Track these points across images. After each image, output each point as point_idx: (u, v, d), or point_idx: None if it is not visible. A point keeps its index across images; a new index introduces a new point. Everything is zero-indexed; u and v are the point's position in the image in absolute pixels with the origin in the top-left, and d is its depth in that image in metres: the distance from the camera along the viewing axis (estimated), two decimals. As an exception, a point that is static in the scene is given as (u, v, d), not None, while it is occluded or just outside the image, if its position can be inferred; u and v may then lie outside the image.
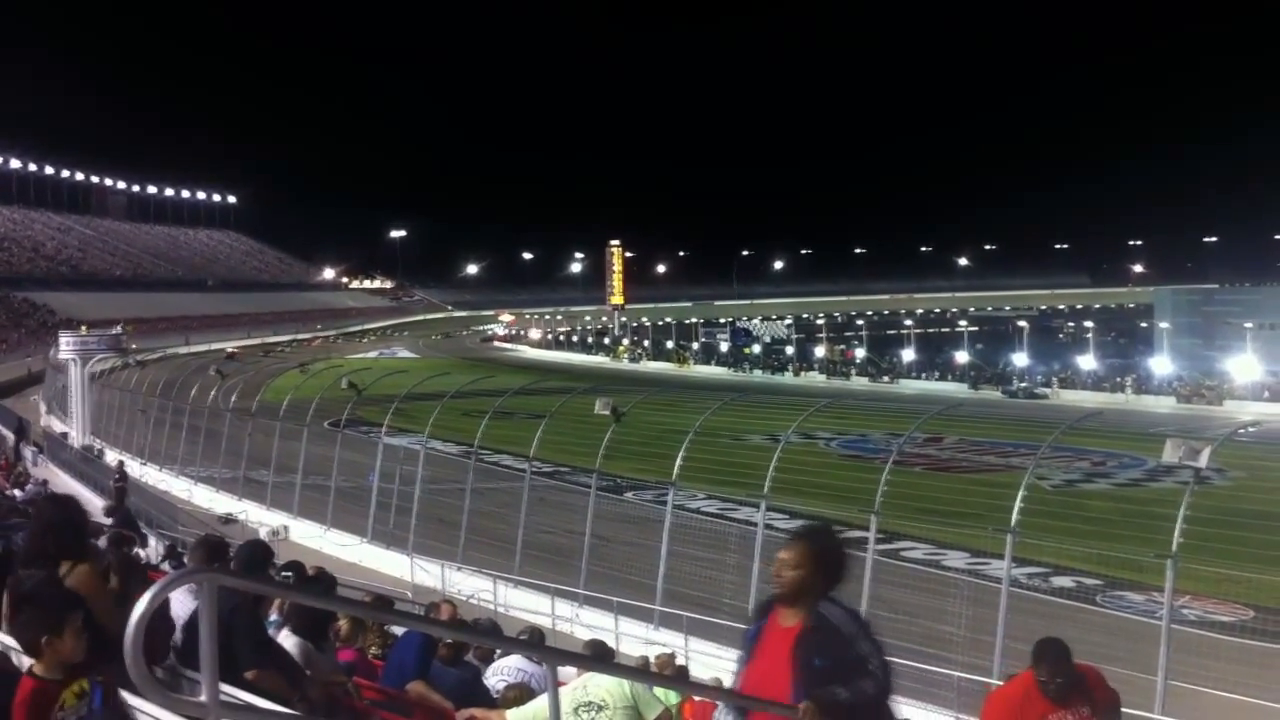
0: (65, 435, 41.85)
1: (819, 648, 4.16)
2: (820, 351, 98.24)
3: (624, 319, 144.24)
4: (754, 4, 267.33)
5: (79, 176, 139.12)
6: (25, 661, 4.92)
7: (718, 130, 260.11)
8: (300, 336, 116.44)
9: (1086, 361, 79.57)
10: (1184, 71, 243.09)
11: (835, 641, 4.18)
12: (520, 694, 7.01)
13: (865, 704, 4.15)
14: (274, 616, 7.15)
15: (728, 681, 5.11)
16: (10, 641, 5.15)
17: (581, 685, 5.91)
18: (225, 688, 4.05)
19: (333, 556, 22.51)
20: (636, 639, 17.14)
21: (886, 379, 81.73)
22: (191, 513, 28.53)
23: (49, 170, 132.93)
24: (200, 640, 3.13)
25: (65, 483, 30.66)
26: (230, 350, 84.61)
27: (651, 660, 11.81)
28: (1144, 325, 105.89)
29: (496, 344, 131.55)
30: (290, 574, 8.88)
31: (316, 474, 28.15)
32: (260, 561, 6.81)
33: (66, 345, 45.85)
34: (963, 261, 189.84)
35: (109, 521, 18.81)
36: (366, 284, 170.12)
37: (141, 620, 2.92)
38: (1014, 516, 14.96)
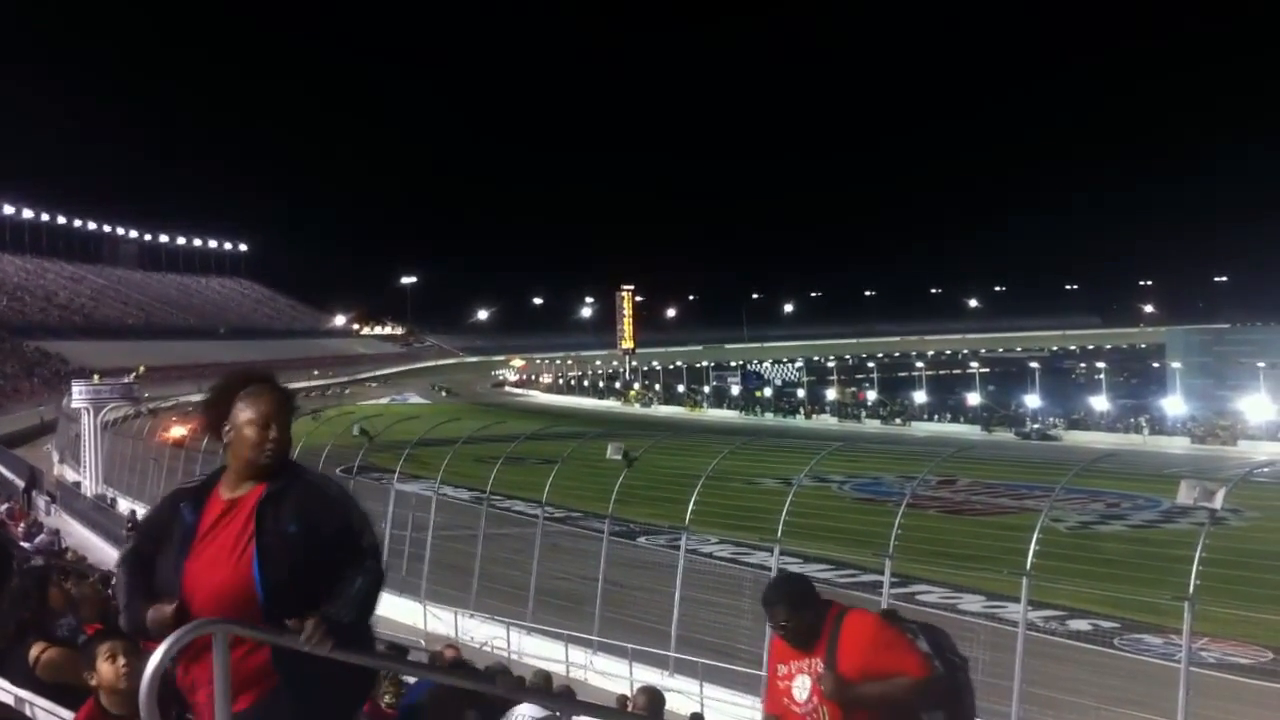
0: (78, 484, 41.86)
1: (292, 511, 3.27)
2: (832, 394, 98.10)
3: (635, 363, 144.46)
4: (764, 28, 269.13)
5: (91, 226, 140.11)
6: (32, 709, 4.90)
7: (727, 173, 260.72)
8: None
9: (1099, 402, 79.36)
10: (1194, 110, 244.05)
11: (315, 504, 3.31)
12: None
13: (366, 600, 3.27)
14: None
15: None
16: (18, 691, 5.13)
17: None
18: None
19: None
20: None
21: (899, 421, 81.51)
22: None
23: (61, 220, 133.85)
24: (214, 692, 3.12)
25: (78, 532, 30.66)
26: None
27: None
28: (1156, 365, 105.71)
29: (508, 389, 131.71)
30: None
31: (328, 521, 28.05)
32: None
33: (79, 394, 45.89)
34: (973, 303, 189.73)
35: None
36: (377, 330, 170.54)
37: (155, 674, 2.91)
38: (1029, 559, 14.85)
